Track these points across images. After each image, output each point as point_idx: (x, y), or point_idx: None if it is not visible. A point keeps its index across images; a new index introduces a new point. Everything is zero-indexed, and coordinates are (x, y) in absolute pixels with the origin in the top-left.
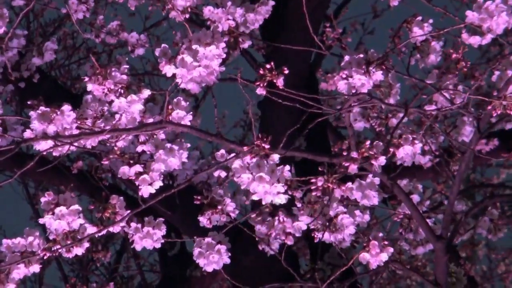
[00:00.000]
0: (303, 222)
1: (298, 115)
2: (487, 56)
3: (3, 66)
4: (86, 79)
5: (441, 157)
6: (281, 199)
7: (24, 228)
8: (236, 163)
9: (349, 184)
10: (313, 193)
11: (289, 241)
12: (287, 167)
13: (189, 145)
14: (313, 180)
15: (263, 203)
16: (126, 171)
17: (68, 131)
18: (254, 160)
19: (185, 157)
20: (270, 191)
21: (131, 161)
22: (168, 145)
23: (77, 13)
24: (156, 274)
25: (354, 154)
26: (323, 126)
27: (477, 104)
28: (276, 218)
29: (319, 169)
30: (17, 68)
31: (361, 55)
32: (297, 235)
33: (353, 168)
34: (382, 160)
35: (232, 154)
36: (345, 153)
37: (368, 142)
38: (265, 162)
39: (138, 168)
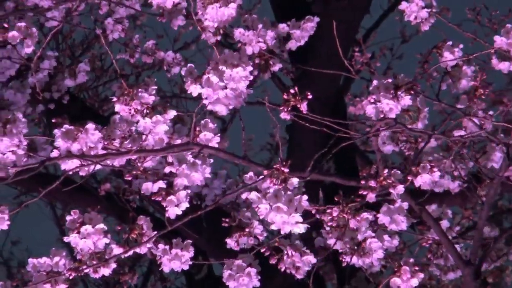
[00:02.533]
0: (312, 256)
1: (326, 139)
2: None
3: (32, 87)
4: (114, 99)
5: (470, 183)
6: (300, 229)
7: (50, 249)
8: (253, 194)
9: (365, 215)
10: (329, 223)
11: (299, 275)
12: (305, 197)
13: (212, 160)
14: (328, 211)
15: (282, 232)
16: (149, 187)
17: (94, 151)
18: (274, 184)
19: (208, 172)
20: (288, 221)
21: (155, 178)
22: (191, 159)
23: (113, 33)
24: None
25: (372, 183)
26: (352, 151)
27: (506, 130)
28: (285, 252)
29: (335, 199)
30: (46, 89)
31: (389, 80)
32: (306, 268)
33: (371, 197)
34: (401, 188)
35: (261, 177)
36: (363, 182)
37: (386, 171)
38: (282, 192)
39: (161, 184)
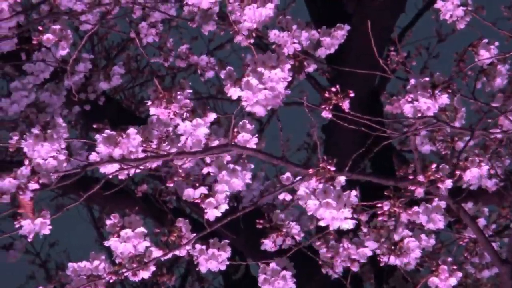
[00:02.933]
0: (368, 248)
1: (363, 139)
2: None
3: (68, 89)
4: (149, 103)
5: (507, 181)
6: (349, 225)
7: (89, 251)
8: (302, 190)
9: (416, 208)
10: (379, 218)
11: (354, 268)
12: (354, 192)
13: (252, 165)
14: (379, 205)
15: (331, 228)
16: (191, 193)
17: (134, 154)
18: (319, 183)
19: (248, 178)
20: (337, 217)
21: (196, 184)
22: (231, 166)
23: (147, 37)
24: None
25: (420, 178)
26: (388, 150)
27: None
28: (341, 244)
29: (385, 193)
30: (82, 90)
31: (427, 79)
32: (362, 261)
33: (419, 192)
34: (449, 183)
35: (298, 177)
36: (411, 177)
37: (434, 165)
38: (332, 187)
39: (203, 190)
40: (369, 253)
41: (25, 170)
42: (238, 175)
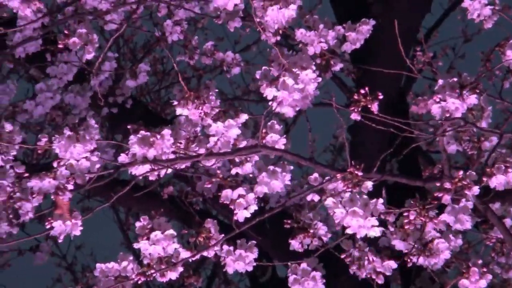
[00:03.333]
0: (393, 261)
1: (389, 140)
2: None
3: (95, 91)
4: (175, 103)
5: None
6: (376, 232)
7: (115, 253)
8: (329, 200)
9: (442, 217)
10: (406, 227)
11: (380, 280)
12: (381, 200)
13: (291, 167)
14: (405, 214)
15: (358, 237)
16: (229, 194)
17: (165, 155)
18: (347, 188)
19: (288, 179)
20: (364, 225)
21: (233, 184)
22: (271, 167)
23: (172, 35)
24: None
25: (447, 185)
26: (414, 150)
27: None
28: (366, 258)
29: (411, 202)
30: (111, 93)
31: (455, 79)
32: (387, 274)
33: (446, 199)
34: (476, 189)
35: (326, 178)
36: (438, 184)
37: (461, 172)
38: (358, 196)
39: (241, 191)
40: (395, 266)
41: (64, 171)
42: (278, 176)
